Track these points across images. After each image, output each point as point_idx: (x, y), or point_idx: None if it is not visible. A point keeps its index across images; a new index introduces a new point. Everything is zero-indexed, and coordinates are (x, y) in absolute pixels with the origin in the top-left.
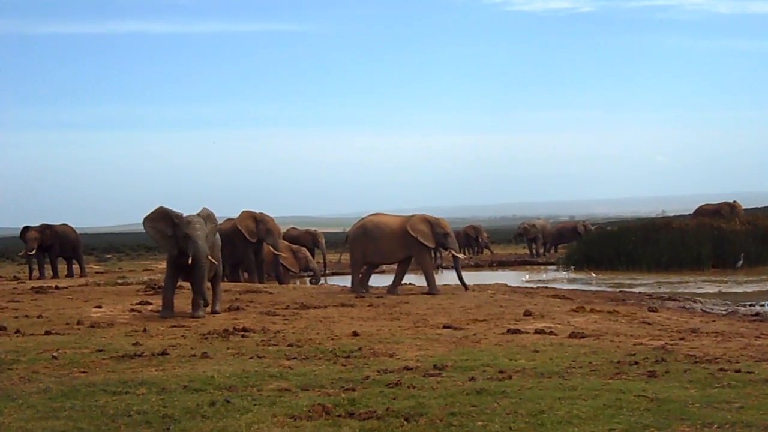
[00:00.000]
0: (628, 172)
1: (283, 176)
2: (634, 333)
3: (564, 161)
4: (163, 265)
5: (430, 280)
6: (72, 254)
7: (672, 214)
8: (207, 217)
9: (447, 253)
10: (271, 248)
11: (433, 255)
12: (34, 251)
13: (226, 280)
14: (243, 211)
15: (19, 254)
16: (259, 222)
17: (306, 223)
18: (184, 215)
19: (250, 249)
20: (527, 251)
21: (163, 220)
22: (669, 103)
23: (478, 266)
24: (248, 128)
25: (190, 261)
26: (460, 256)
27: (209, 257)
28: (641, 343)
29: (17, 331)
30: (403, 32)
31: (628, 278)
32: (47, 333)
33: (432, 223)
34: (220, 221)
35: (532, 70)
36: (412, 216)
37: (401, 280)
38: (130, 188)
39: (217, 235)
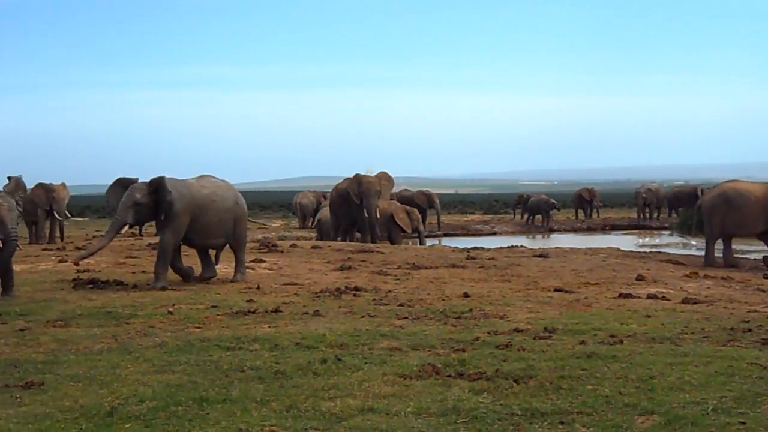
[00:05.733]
0: (741, 136)
1: (394, 138)
2: (749, 300)
3: (676, 125)
4: (277, 223)
5: None
6: None
7: None
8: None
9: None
10: (365, 211)
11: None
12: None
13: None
14: (355, 174)
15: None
16: (360, 184)
17: (418, 185)
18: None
19: (363, 209)
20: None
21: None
22: None
23: (590, 229)
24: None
25: None
26: None
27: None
28: (755, 311)
29: (134, 287)
30: None
31: (744, 244)
32: (163, 288)
33: None
34: (338, 181)
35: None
36: None
37: None
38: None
39: (238, 202)
